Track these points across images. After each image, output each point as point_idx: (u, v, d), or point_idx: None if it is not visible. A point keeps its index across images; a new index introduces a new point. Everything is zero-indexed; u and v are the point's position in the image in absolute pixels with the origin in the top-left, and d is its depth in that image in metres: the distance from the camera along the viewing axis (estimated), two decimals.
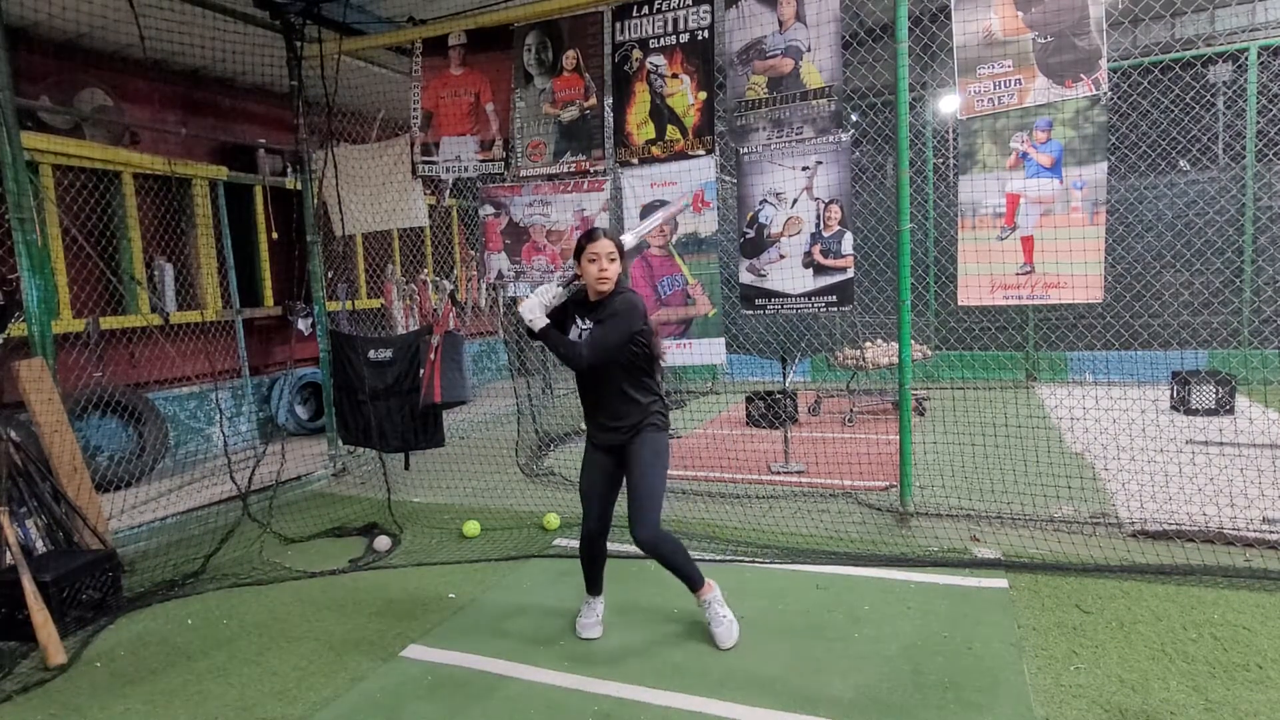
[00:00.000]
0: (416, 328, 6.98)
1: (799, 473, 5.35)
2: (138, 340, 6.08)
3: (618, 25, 4.62)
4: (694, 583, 3.03)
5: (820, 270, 4.34)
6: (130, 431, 5.92)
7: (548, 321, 2.87)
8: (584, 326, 2.91)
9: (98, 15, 5.01)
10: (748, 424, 6.99)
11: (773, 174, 4.37)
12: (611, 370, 2.90)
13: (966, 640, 2.99)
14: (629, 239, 3.13)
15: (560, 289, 2.94)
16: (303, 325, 7.09)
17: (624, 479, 3.02)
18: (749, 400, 7.03)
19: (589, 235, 2.87)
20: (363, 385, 5.31)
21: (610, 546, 3.50)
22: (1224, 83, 8.04)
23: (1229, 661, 2.75)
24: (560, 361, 2.95)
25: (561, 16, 4.76)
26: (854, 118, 8.34)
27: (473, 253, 8.91)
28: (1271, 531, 3.76)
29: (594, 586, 3.21)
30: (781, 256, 4.42)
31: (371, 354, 5.33)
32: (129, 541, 4.51)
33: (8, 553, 3.38)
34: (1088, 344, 7.59)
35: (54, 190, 5.43)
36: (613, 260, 2.85)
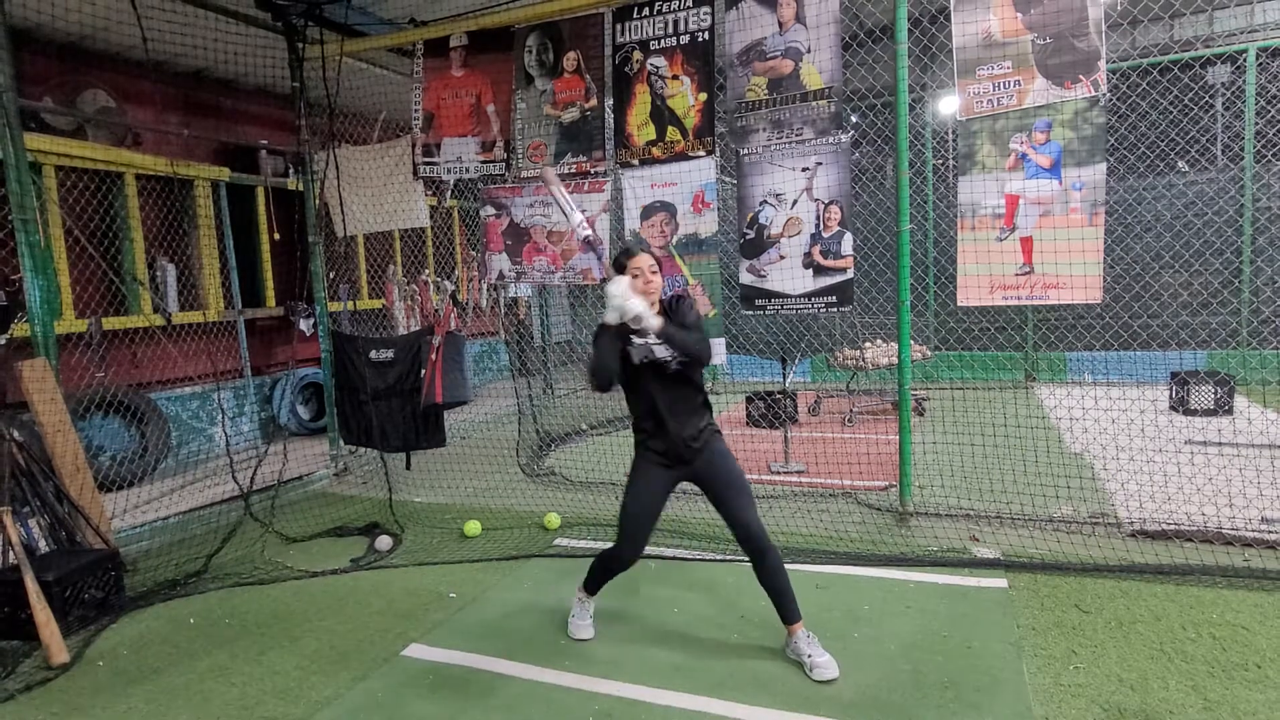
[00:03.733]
0: (418, 328, 7.01)
1: (799, 472, 5.36)
2: (140, 340, 6.10)
3: (618, 27, 4.64)
4: (791, 614, 2.85)
5: (820, 271, 4.35)
6: (132, 431, 5.93)
7: (658, 320, 2.69)
8: (641, 342, 2.76)
9: (100, 17, 5.02)
10: (748, 424, 7.00)
11: (772, 175, 4.39)
12: (687, 378, 2.81)
13: (966, 640, 3.00)
14: (577, 216, 3.01)
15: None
16: (304, 325, 7.11)
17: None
18: (749, 400, 7.04)
19: (627, 251, 2.79)
20: (364, 385, 5.33)
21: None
22: (1222, 84, 8.06)
23: (1228, 661, 2.76)
24: (685, 358, 2.74)
25: (562, 18, 4.78)
26: (854, 119, 8.36)
27: (474, 253, 8.92)
28: (1270, 531, 3.77)
29: (598, 590, 3.21)
30: (781, 257, 4.43)
31: (373, 354, 5.34)
32: (131, 541, 4.52)
33: (11, 552, 3.39)
34: (1087, 344, 7.61)
35: (57, 191, 5.44)
36: (655, 273, 2.78)
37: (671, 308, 2.81)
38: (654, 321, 2.66)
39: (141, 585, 3.89)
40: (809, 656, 2.80)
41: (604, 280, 2.74)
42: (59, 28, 5.53)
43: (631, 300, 2.64)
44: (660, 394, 2.81)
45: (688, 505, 4.80)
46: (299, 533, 4.67)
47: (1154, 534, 3.87)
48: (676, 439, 2.82)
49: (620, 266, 2.76)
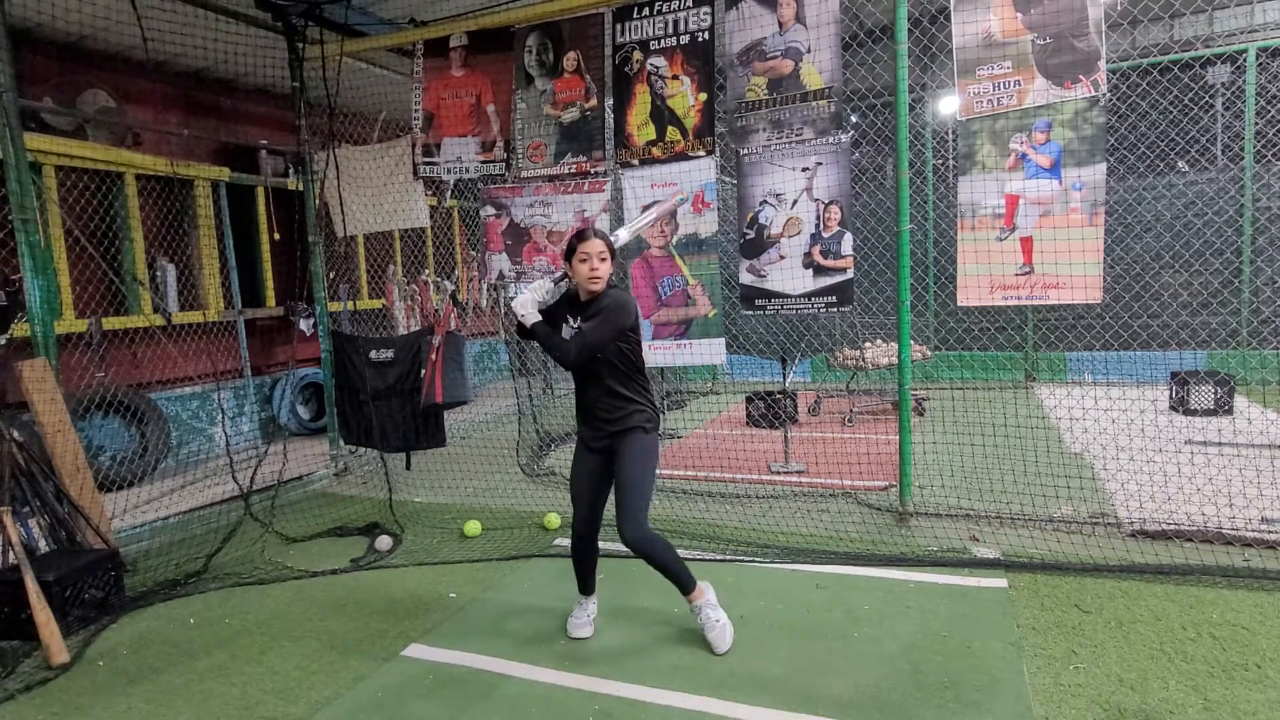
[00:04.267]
0: (418, 328, 7.00)
1: (799, 472, 5.36)
2: (140, 340, 6.10)
3: (618, 27, 4.64)
4: (685, 585, 3.02)
5: (820, 271, 4.35)
6: (132, 431, 5.93)
7: (539, 318, 2.88)
8: (575, 325, 2.92)
9: (100, 17, 5.02)
10: (748, 424, 7.00)
11: (772, 175, 4.39)
12: (600, 368, 2.92)
13: (966, 639, 3.00)
14: (624, 234, 3.14)
15: (553, 285, 2.95)
16: (304, 325, 7.11)
17: (612, 480, 3.03)
18: (749, 400, 7.04)
19: (579, 235, 2.88)
20: (364, 385, 5.33)
21: (609, 546, 3.52)
22: (1222, 84, 8.06)
23: (1228, 661, 2.76)
24: (549, 358, 2.96)
25: (562, 18, 4.78)
26: (854, 119, 8.36)
27: (474, 253, 8.93)
28: (1270, 531, 3.77)
29: (585, 586, 3.22)
30: (781, 257, 4.43)
31: (373, 354, 5.34)
32: (131, 541, 4.53)
33: (11, 552, 3.39)
34: (1087, 344, 7.61)
35: (57, 191, 5.44)
36: (604, 260, 2.85)
37: (596, 301, 2.89)
38: (527, 319, 2.85)
39: (141, 585, 3.89)
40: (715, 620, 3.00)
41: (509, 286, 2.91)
42: (59, 28, 5.53)
43: (516, 301, 2.87)
44: (581, 378, 3.00)
45: (688, 505, 4.80)
46: (299, 533, 4.67)
47: (1154, 534, 3.87)
48: (592, 423, 3.01)
49: (571, 249, 2.87)
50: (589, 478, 3.05)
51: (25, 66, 5.47)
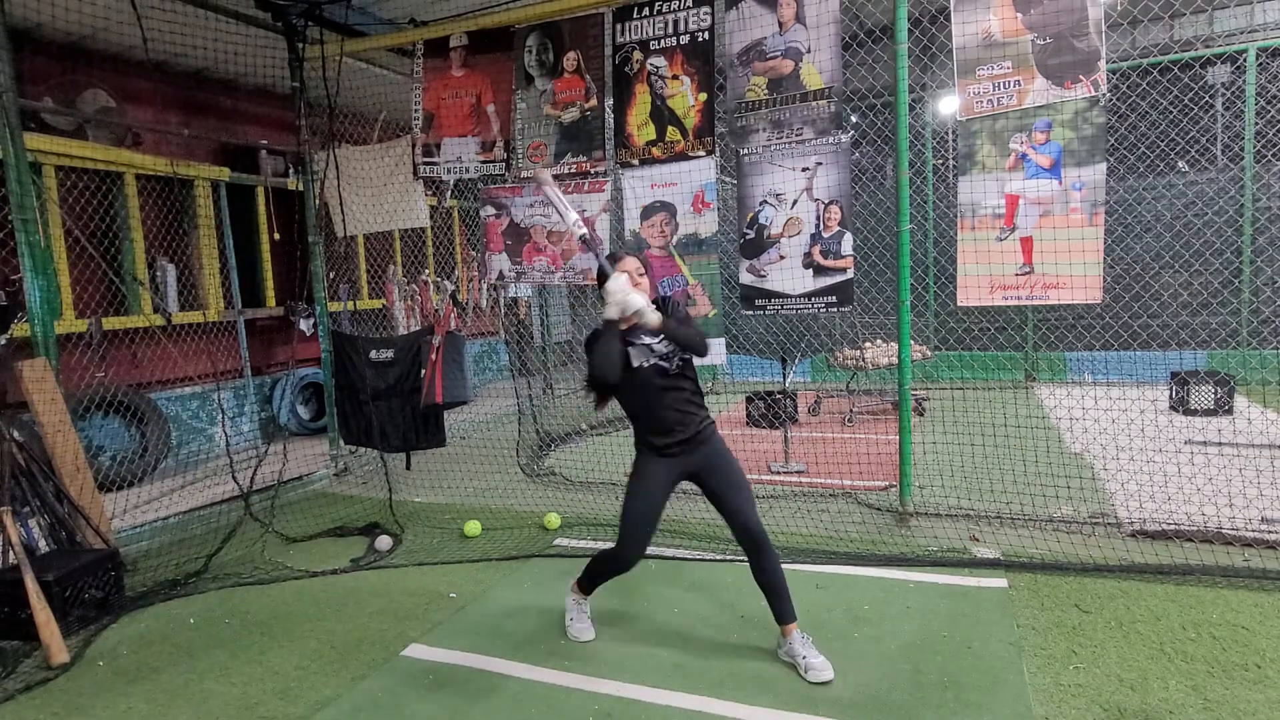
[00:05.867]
0: (418, 328, 7.01)
1: (799, 472, 5.36)
2: (140, 340, 6.10)
3: (618, 27, 4.64)
4: (785, 614, 2.86)
5: (820, 271, 4.35)
6: (132, 431, 5.93)
7: (658, 314, 2.69)
8: (643, 343, 2.78)
9: (100, 17, 5.02)
10: (748, 424, 7.00)
11: (772, 175, 4.39)
12: (688, 373, 2.86)
13: (966, 640, 3.00)
14: (572, 215, 2.98)
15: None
16: (304, 326, 7.10)
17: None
18: (749, 400, 7.04)
19: (613, 257, 2.83)
20: (364, 385, 5.33)
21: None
22: (1222, 84, 8.06)
23: (1228, 661, 2.76)
24: (686, 353, 2.79)
25: (562, 18, 4.78)
26: (854, 119, 8.36)
27: (474, 253, 8.93)
28: (1270, 531, 3.77)
29: (593, 590, 3.21)
30: (781, 257, 4.43)
31: (373, 354, 5.34)
32: (131, 541, 4.53)
33: (11, 552, 3.39)
34: (1087, 344, 7.61)
35: (57, 191, 5.44)
36: (642, 276, 2.83)
37: (662, 306, 2.79)
38: (654, 316, 2.66)
39: (141, 585, 3.89)
40: (804, 658, 2.79)
41: (601, 278, 2.75)
42: (59, 28, 5.53)
43: (633, 295, 2.65)
44: (661, 392, 2.82)
45: (688, 505, 4.80)
46: (299, 533, 4.67)
47: (1154, 534, 3.87)
48: (679, 431, 2.83)
49: (604, 273, 2.79)
50: (662, 496, 2.89)
51: (25, 66, 5.47)
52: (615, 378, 2.71)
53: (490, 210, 5.13)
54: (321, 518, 4.97)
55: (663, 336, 2.76)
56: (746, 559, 2.88)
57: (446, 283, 8.44)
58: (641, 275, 2.82)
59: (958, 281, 4.09)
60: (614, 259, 2.83)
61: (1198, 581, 3.38)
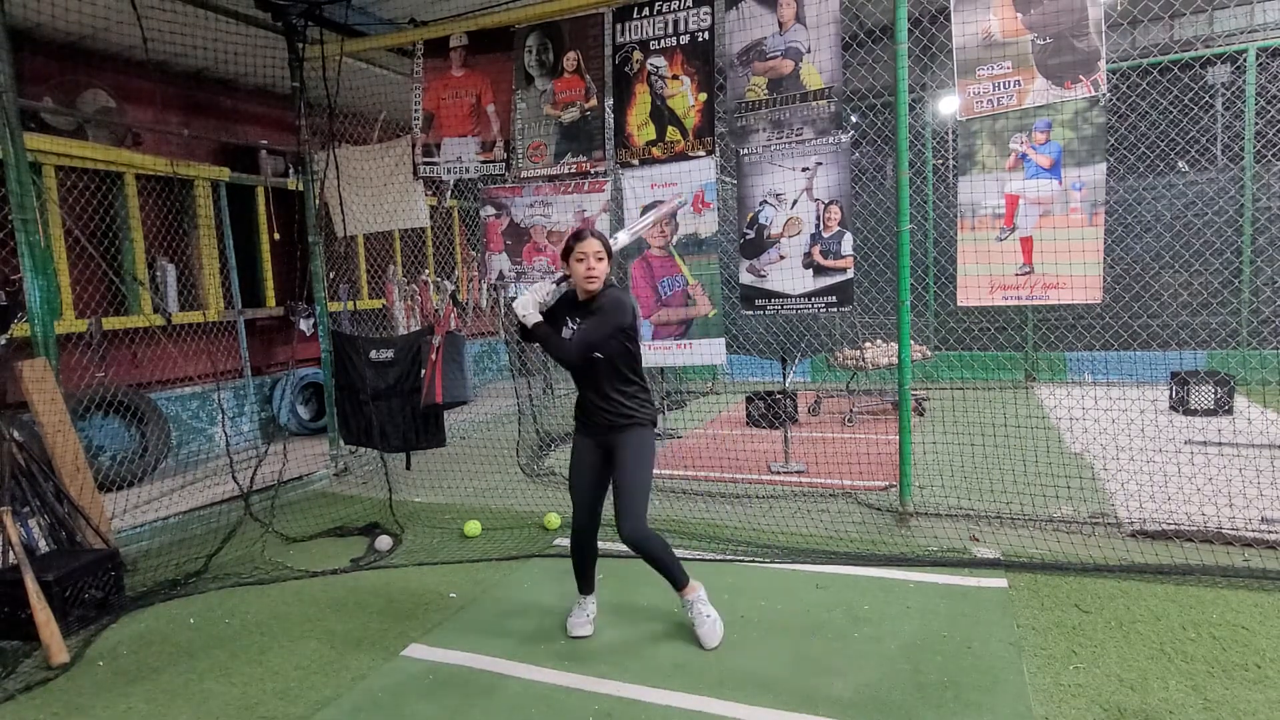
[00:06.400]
0: (418, 328, 7.01)
1: (799, 472, 5.36)
2: (140, 340, 6.10)
3: (618, 27, 4.64)
4: (678, 581, 3.07)
5: (820, 271, 4.35)
6: (132, 431, 5.93)
7: (540, 318, 2.91)
8: (574, 325, 2.95)
9: (100, 17, 5.02)
10: (748, 424, 7.00)
11: (772, 175, 4.39)
12: (600, 367, 2.95)
13: (966, 639, 3.00)
14: (624, 236, 3.18)
15: (553, 286, 2.99)
16: (304, 326, 7.10)
17: (610, 476, 3.05)
18: (749, 400, 7.04)
19: (576, 235, 2.91)
20: (364, 385, 5.33)
21: (609, 546, 3.53)
22: (1222, 84, 8.06)
23: (1228, 661, 2.76)
24: (550, 357, 3.00)
25: (562, 18, 4.78)
26: (854, 119, 8.36)
27: (474, 253, 8.93)
28: (1270, 531, 3.77)
29: (585, 585, 3.23)
30: (781, 257, 4.43)
31: (373, 354, 5.34)
32: (131, 541, 4.53)
33: (11, 552, 3.39)
34: (1087, 344, 7.61)
35: (57, 191, 5.44)
36: (600, 259, 2.89)
37: (594, 300, 2.93)
38: (529, 320, 2.88)
39: (141, 585, 3.89)
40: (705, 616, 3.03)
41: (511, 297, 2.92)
42: (59, 28, 5.53)
43: (519, 300, 2.88)
44: (581, 376, 3.02)
45: (688, 505, 4.81)
46: (299, 533, 4.67)
47: (1154, 534, 3.87)
48: (591, 418, 3.03)
49: (568, 249, 2.92)
50: (589, 474, 3.09)
51: (25, 66, 5.47)
52: (567, 356, 2.91)
53: (490, 210, 5.13)
54: (321, 518, 4.97)
55: (577, 322, 2.95)
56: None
57: (446, 283, 8.44)
58: (600, 259, 2.89)
59: (958, 281, 4.09)
60: (579, 237, 2.91)
61: (1198, 581, 3.38)
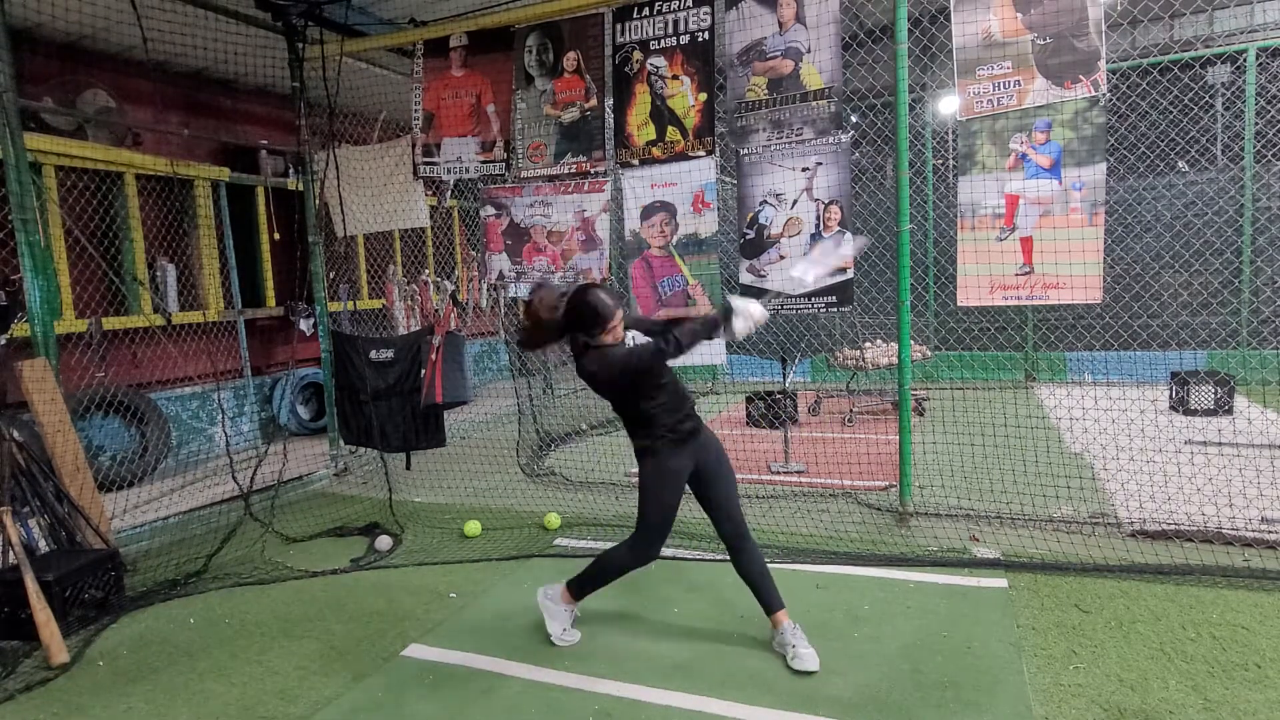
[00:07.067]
0: (418, 328, 7.01)
1: (799, 473, 5.36)
2: (140, 340, 6.10)
3: (618, 27, 4.64)
4: (772, 603, 2.98)
5: None
6: (132, 431, 5.93)
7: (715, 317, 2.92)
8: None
9: (100, 17, 5.02)
10: (748, 424, 7.00)
11: (772, 175, 4.39)
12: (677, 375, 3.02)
13: (966, 640, 3.00)
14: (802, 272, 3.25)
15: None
16: (304, 326, 7.10)
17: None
18: (749, 400, 7.04)
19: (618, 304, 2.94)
20: (364, 385, 5.33)
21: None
22: (1222, 84, 8.06)
23: (1228, 661, 2.76)
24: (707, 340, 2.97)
25: (562, 18, 4.78)
26: (854, 119, 8.36)
27: (474, 253, 8.92)
28: (1270, 531, 3.77)
29: (586, 595, 3.19)
30: (781, 257, 4.43)
31: (373, 354, 5.34)
32: (131, 541, 4.52)
33: (11, 552, 3.39)
34: (1087, 344, 7.61)
35: (57, 191, 5.44)
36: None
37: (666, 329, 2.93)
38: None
39: (141, 585, 3.89)
40: (792, 647, 2.85)
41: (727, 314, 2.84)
42: (59, 28, 5.52)
43: (755, 308, 2.85)
44: (679, 388, 3.01)
45: (688, 505, 4.79)
46: (299, 533, 4.67)
47: (1154, 534, 3.87)
48: (690, 416, 2.98)
49: (607, 319, 2.86)
50: (682, 485, 3.04)
51: (25, 66, 5.47)
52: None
53: (490, 210, 5.13)
54: (321, 518, 4.97)
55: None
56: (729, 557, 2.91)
57: (446, 283, 8.43)
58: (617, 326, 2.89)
59: (958, 281, 4.09)
60: (617, 305, 2.88)
61: (1198, 581, 3.38)
